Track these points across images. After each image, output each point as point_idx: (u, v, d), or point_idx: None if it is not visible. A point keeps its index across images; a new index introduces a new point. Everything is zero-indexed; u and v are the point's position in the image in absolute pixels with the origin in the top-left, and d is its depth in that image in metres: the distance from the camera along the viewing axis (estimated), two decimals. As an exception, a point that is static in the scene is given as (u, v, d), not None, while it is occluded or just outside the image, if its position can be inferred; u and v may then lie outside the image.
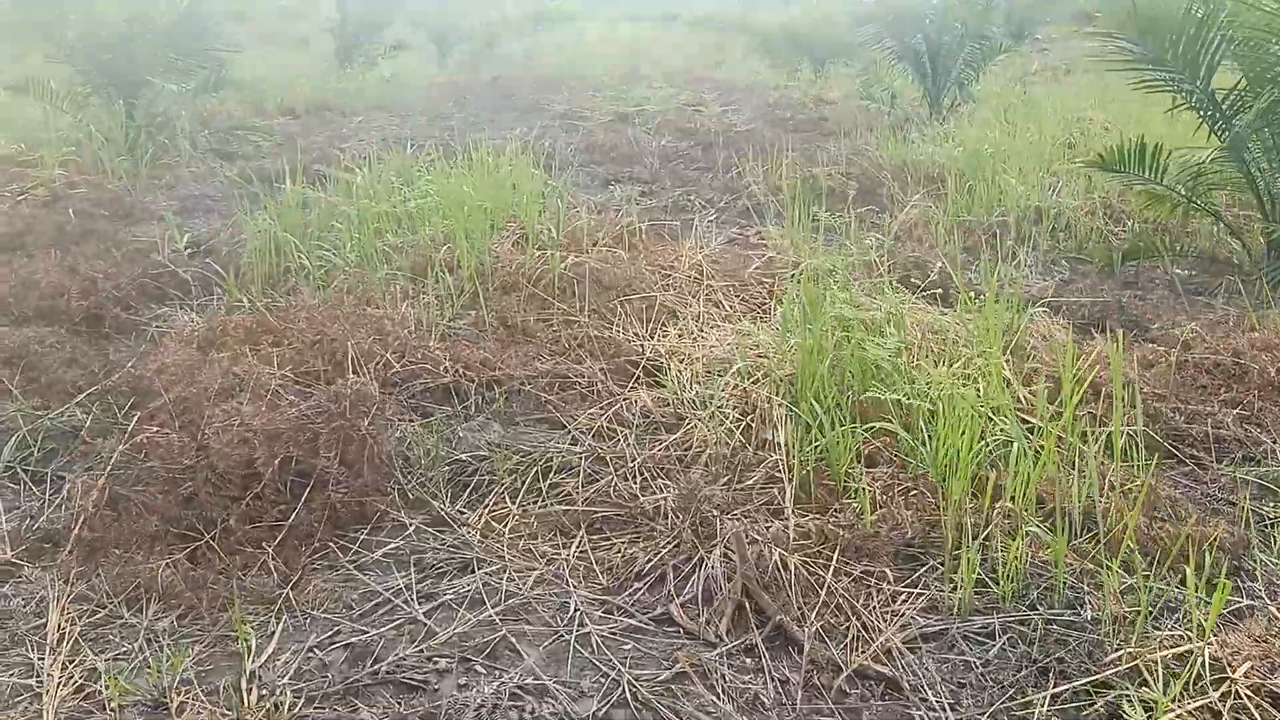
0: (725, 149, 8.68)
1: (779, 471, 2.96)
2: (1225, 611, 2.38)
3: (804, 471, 2.93)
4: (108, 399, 3.62)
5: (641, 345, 4.05)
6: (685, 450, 3.21)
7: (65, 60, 8.12)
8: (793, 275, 4.37)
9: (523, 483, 3.10)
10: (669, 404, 3.53)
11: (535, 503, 3.02)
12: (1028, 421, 3.06)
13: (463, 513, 3.00)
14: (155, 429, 3.26)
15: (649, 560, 2.66)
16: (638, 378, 3.80)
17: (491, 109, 12.03)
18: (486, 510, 2.98)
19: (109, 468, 3.09)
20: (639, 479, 3.07)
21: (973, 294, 3.87)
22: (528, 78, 15.11)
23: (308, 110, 10.99)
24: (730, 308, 4.40)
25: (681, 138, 9.55)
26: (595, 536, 2.83)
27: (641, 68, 16.45)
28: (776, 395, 3.33)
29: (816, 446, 2.99)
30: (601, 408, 3.52)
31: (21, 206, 6.18)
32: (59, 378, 3.83)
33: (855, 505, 2.77)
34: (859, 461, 2.99)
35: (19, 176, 6.69)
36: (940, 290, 4.40)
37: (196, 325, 4.24)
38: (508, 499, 3.04)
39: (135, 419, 3.36)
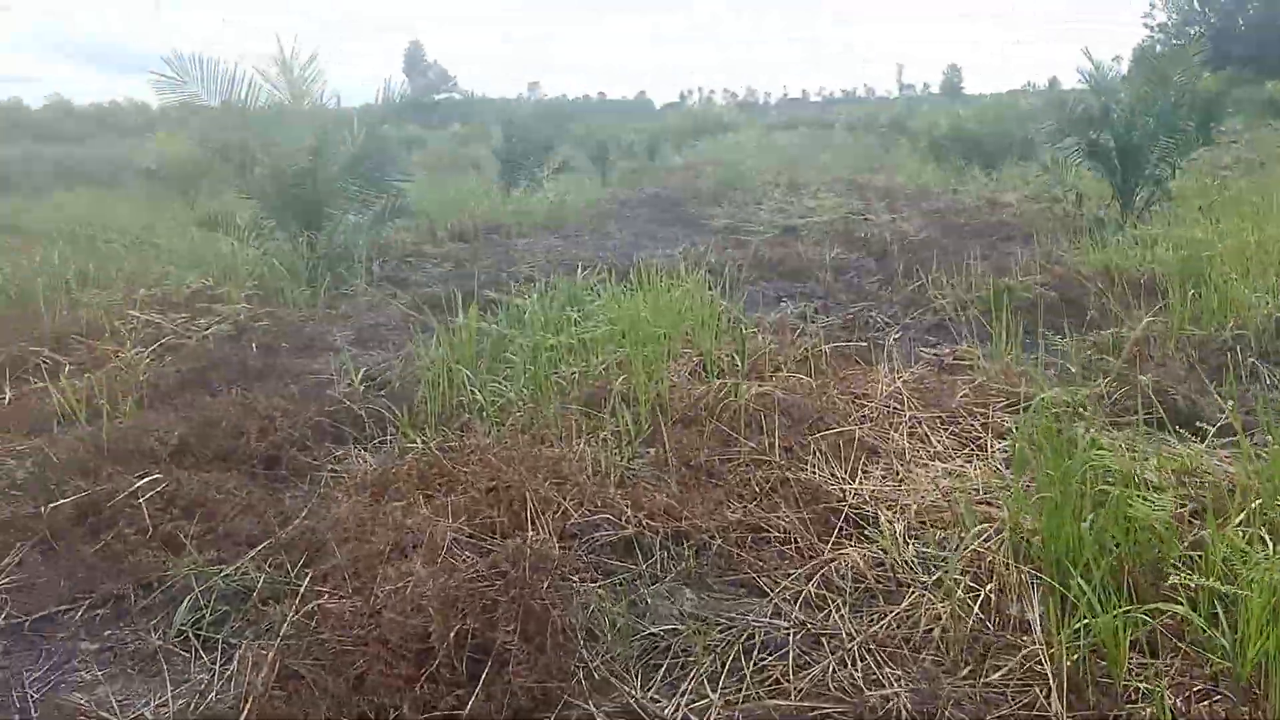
0: (901, 259, 8.26)
1: (1037, 662, 2.46)
2: None
3: (1070, 661, 2.42)
4: (281, 554, 3.45)
5: (842, 489, 3.63)
6: (912, 628, 2.74)
7: (253, 196, 8.52)
8: (1012, 405, 3.88)
9: (722, 664, 2.70)
10: (884, 565, 3.08)
11: (739, 690, 2.61)
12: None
13: (656, 701, 2.61)
14: (327, 593, 3.06)
15: (888, 781, 2.20)
16: (841, 529, 3.37)
17: (654, 225, 12.03)
18: (684, 700, 2.59)
19: (280, 638, 2.88)
20: (860, 664, 2.61)
21: (1240, 428, 3.28)
22: (688, 191, 15.17)
23: (477, 234, 11.24)
24: (939, 444, 3.93)
25: (852, 248, 9.19)
26: (816, 741, 2.39)
27: (800, 176, 16.30)
28: (1016, 559, 2.84)
29: (1084, 628, 2.48)
30: (805, 569, 3.10)
31: (207, 341, 6.34)
32: (235, 528, 3.71)
33: (1146, 713, 2.23)
34: (1136, 649, 2.46)
35: (206, 311, 6.91)
36: (1189, 422, 3.81)
37: (370, 469, 4.08)
38: (707, 685, 2.64)
39: (307, 579, 3.16)
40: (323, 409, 4.85)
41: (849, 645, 2.67)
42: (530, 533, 3.33)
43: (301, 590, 3.11)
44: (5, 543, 3.70)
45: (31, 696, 2.83)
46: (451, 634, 2.76)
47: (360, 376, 5.48)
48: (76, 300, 6.95)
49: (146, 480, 3.88)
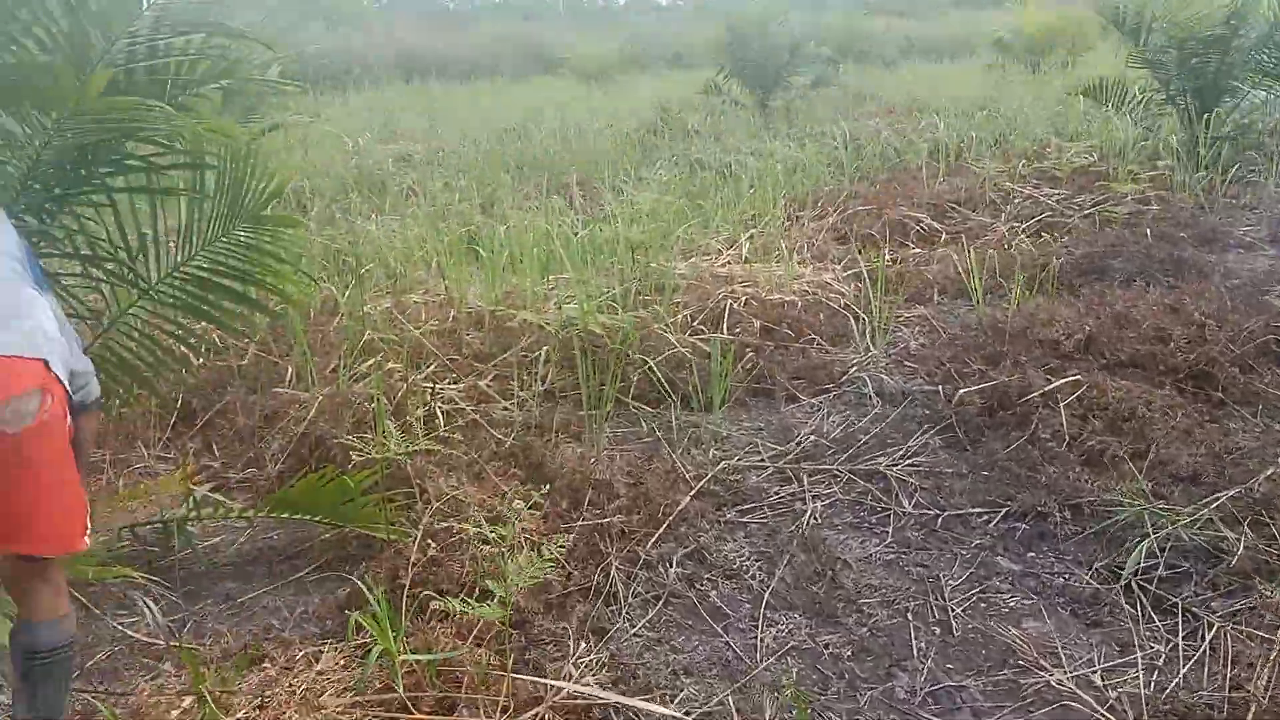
0: None
1: None
2: None
3: None
4: (1259, 511, 2.56)
5: None
6: None
7: (1144, 65, 7.36)
8: None
9: None
10: None
11: None
12: None
13: None
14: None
15: None
16: None
17: None
18: None
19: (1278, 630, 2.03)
20: None
21: None
22: None
23: None
24: None
25: None
26: None
27: None
28: None
29: None
30: None
31: (1093, 223, 5.55)
32: (1171, 457, 2.93)
33: None
34: None
35: (1091, 187, 6.11)
36: None
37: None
38: None
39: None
40: (1270, 324, 3.73)
41: None
42: None
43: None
44: (912, 418, 3.45)
45: (951, 609, 2.43)
46: None
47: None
48: (955, 168, 6.72)
49: (1065, 381, 3.28)
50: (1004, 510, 2.82)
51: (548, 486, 2.71)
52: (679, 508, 2.86)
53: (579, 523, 2.72)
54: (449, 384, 3.76)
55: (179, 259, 2.59)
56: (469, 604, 2.14)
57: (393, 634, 2.10)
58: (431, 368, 3.83)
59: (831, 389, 3.81)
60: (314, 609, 2.55)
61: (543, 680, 2.05)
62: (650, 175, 7.12)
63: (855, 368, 3.92)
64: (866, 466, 3.13)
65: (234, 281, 2.62)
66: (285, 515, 2.73)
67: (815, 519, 2.86)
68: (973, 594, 2.49)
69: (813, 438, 3.37)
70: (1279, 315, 3.79)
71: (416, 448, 2.96)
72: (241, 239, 2.58)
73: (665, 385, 3.70)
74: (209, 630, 2.51)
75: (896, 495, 2.95)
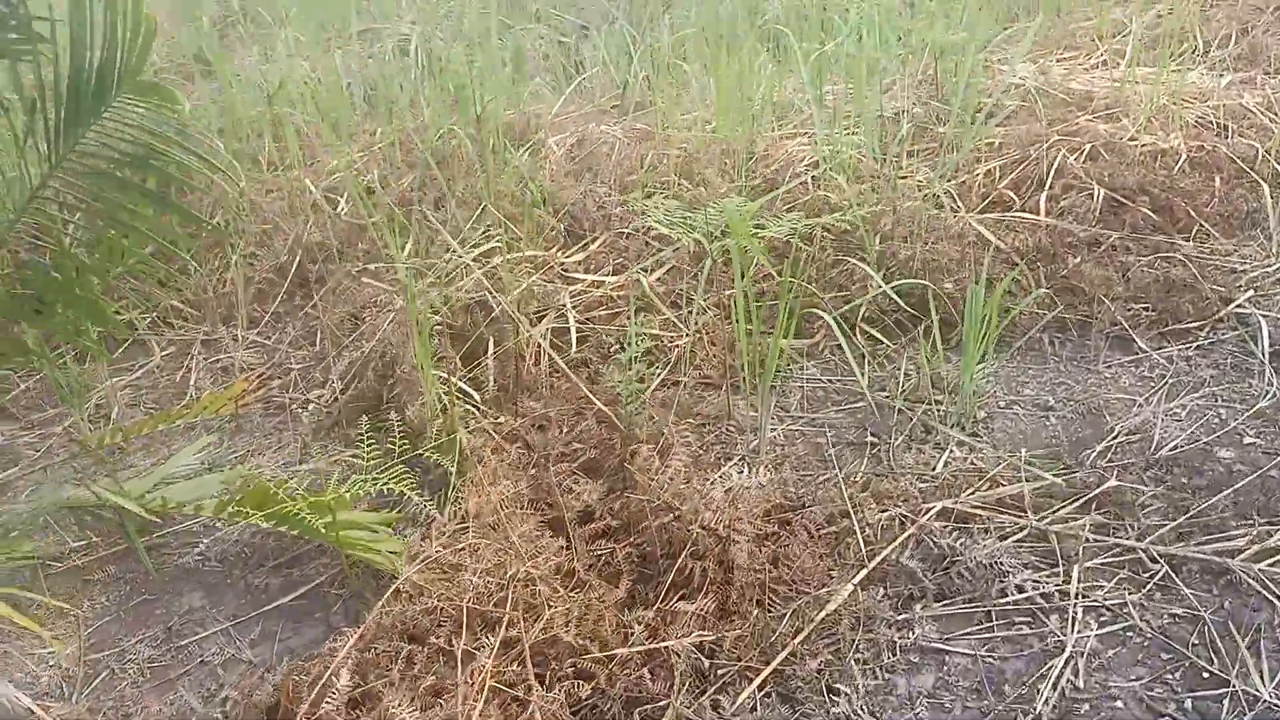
0: None
1: None
2: None
3: None
4: None
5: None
6: None
7: None
8: None
9: None
10: None
11: None
12: None
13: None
14: None
15: None
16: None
17: None
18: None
19: None
20: None
21: None
22: None
23: None
24: None
25: None
26: None
27: None
28: None
29: None
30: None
31: None
32: None
33: None
34: None
35: None
36: None
37: None
38: None
39: None
40: None
41: None
42: None
43: None
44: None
45: None
46: None
47: None
48: None
49: None
50: None
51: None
52: (827, 608, 1.65)
53: (633, 625, 1.61)
54: (606, 274, 2.66)
55: (65, 145, 1.70)
56: None
57: None
58: (591, 248, 2.74)
59: (1198, 331, 2.27)
60: (259, 688, 1.72)
61: None
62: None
63: (1250, 292, 2.32)
64: (1210, 549, 1.68)
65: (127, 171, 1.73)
66: (252, 521, 1.90)
67: (1074, 676, 1.54)
68: None
69: (1127, 449, 1.94)
70: None
71: (477, 424, 1.98)
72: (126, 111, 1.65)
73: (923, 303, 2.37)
74: (114, 689, 1.80)
75: (1257, 645, 1.52)
